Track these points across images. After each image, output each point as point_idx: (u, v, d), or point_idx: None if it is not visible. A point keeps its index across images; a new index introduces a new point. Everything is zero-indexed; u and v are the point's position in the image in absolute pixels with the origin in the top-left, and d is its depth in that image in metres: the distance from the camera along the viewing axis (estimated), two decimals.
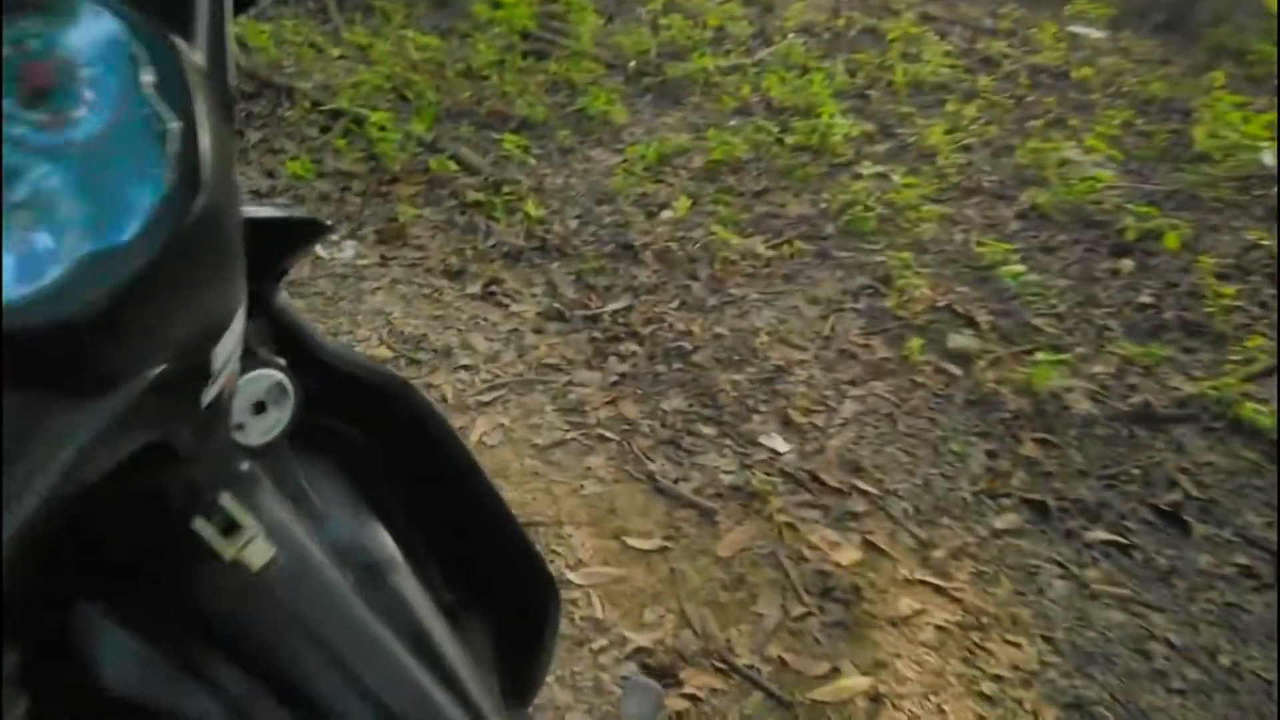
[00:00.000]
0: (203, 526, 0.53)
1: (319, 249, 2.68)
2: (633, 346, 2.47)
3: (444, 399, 2.23)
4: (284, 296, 0.76)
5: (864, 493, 2.04)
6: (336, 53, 3.95)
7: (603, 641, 1.72)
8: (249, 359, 0.61)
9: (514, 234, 2.93)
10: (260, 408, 0.61)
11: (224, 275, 0.42)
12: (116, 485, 0.39)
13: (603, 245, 2.88)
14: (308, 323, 0.76)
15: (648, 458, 2.12)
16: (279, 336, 0.72)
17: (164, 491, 0.52)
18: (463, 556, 0.81)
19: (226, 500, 0.54)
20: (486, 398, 2.26)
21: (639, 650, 1.71)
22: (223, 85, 0.44)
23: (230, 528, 0.54)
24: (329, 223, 0.80)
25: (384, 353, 2.33)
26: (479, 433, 2.15)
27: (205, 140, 0.36)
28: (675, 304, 2.63)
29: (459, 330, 2.49)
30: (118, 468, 0.38)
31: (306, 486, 0.68)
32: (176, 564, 0.55)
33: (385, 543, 0.72)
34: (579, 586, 1.82)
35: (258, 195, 2.94)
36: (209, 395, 0.45)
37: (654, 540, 1.93)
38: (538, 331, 2.53)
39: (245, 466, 0.58)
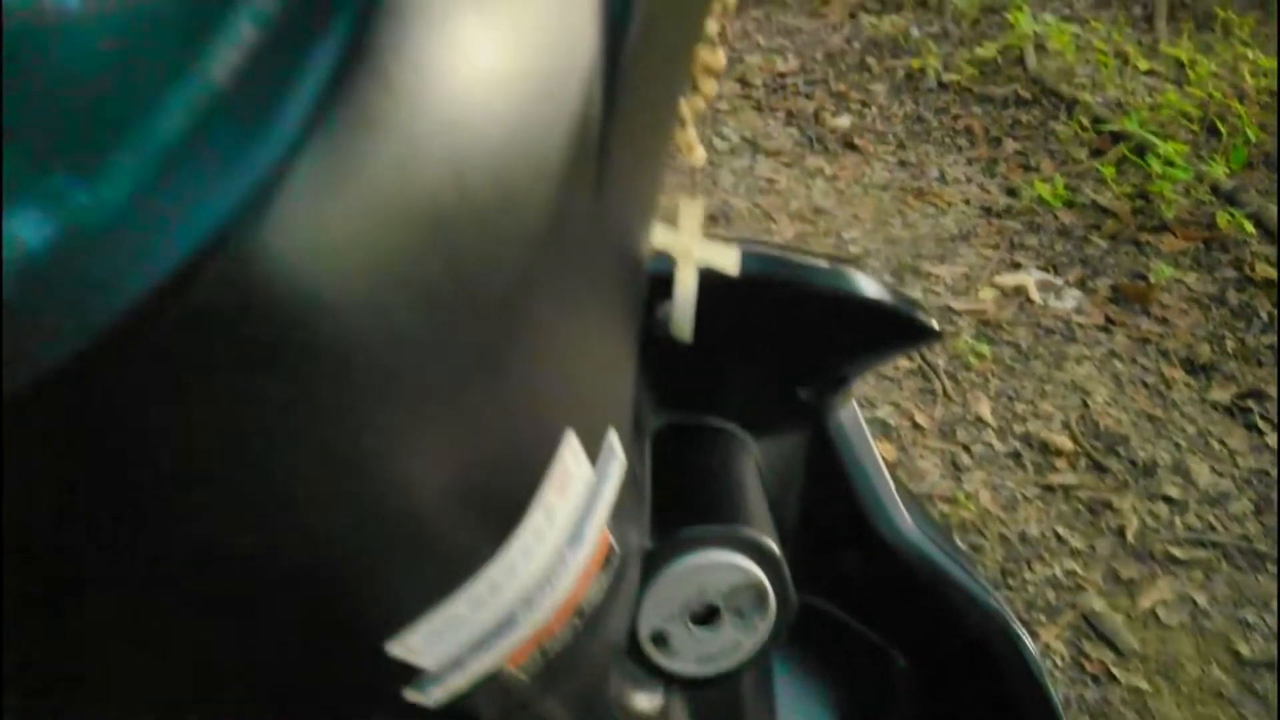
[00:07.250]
0: None
1: (1033, 290, 2.23)
2: None
3: (1120, 531, 1.64)
4: (850, 414, 0.49)
5: None
6: (1145, 66, 3.31)
7: None
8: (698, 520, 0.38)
9: None
10: (703, 614, 0.36)
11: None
12: None
13: None
14: (876, 463, 0.48)
15: None
16: (818, 478, 0.46)
17: None
18: None
19: None
20: (1183, 553, 1.61)
21: None
22: None
23: None
24: (935, 327, 0.44)
25: (1063, 442, 1.81)
26: (1151, 599, 1.52)
27: None
28: None
29: (1178, 445, 1.83)
30: None
31: None
32: None
33: None
34: None
35: (987, 212, 2.57)
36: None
37: None
38: None
39: (637, 700, 0.36)
